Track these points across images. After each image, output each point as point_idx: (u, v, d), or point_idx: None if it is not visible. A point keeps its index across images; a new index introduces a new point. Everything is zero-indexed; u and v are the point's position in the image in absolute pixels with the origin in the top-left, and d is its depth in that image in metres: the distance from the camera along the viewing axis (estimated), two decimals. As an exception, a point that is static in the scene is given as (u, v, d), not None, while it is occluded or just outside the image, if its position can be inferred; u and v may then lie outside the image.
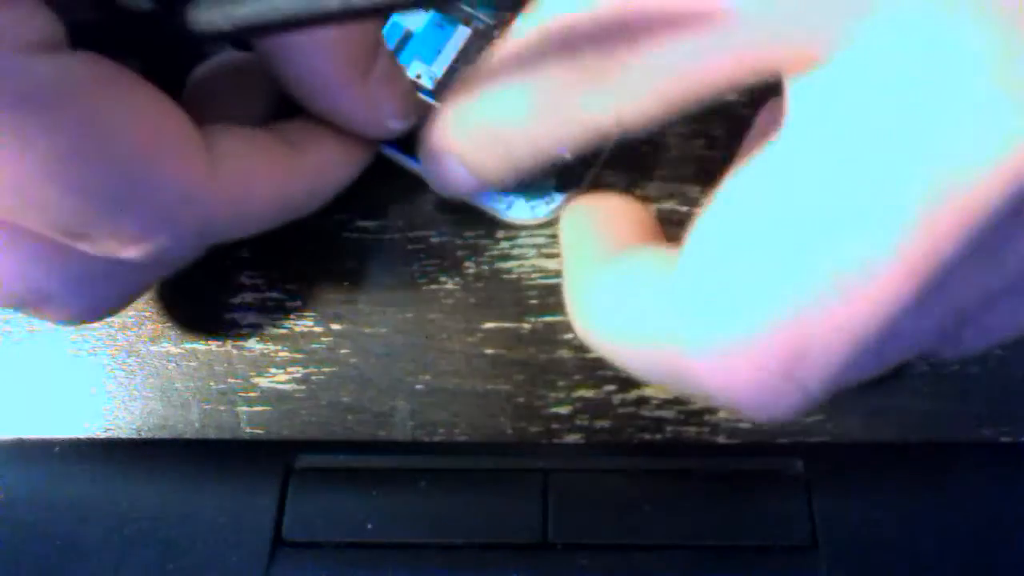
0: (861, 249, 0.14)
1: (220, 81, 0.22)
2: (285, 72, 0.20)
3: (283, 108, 0.22)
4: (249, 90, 0.22)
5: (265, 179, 0.20)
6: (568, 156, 0.20)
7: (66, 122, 0.15)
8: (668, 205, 0.24)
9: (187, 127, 0.18)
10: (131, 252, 0.18)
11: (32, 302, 0.19)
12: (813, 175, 0.15)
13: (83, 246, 0.17)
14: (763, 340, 0.15)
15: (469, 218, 0.24)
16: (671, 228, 0.24)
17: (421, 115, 0.22)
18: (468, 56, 0.25)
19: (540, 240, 0.24)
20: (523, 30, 0.19)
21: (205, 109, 0.20)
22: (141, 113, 0.17)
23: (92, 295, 0.19)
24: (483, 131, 0.20)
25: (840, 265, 0.15)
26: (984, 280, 0.16)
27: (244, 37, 0.18)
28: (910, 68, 0.14)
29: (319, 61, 0.19)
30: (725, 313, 0.16)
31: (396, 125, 0.22)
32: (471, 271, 0.24)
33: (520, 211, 0.24)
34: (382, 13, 0.19)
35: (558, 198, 0.24)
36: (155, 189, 0.17)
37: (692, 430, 0.23)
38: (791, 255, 0.15)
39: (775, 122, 0.17)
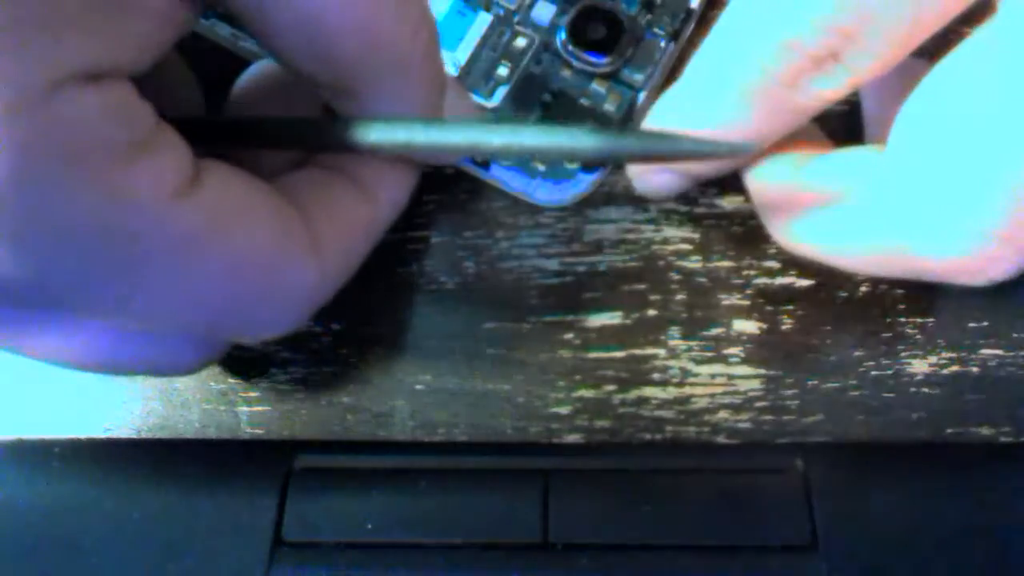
0: None
1: (264, 92, 0.22)
2: (354, 110, 0.19)
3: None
4: (293, 101, 0.22)
5: (359, 242, 0.20)
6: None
7: (198, 260, 0.16)
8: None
9: (299, 229, 0.18)
10: (250, 342, 0.20)
11: (144, 373, 0.20)
12: None
13: (203, 339, 0.19)
14: (1003, 231, 0.17)
15: (469, 218, 0.24)
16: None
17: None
18: (491, 41, 0.25)
19: (540, 240, 0.24)
20: (728, 34, 0.19)
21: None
22: (263, 233, 0.17)
23: (201, 359, 0.20)
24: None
25: None
26: None
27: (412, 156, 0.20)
28: None
29: (399, 101, 0.19)
30: (959, 209, 0.17)
31: None
32: (471, 271, 0.24)
33: (548, 193, 0.24)
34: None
35: (585, 179, 0.24)
36: (277, 298, 0.18)
37: (692, 430, 0.23)
38: (1014, 132, 0.16)
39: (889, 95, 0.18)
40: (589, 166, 0.24)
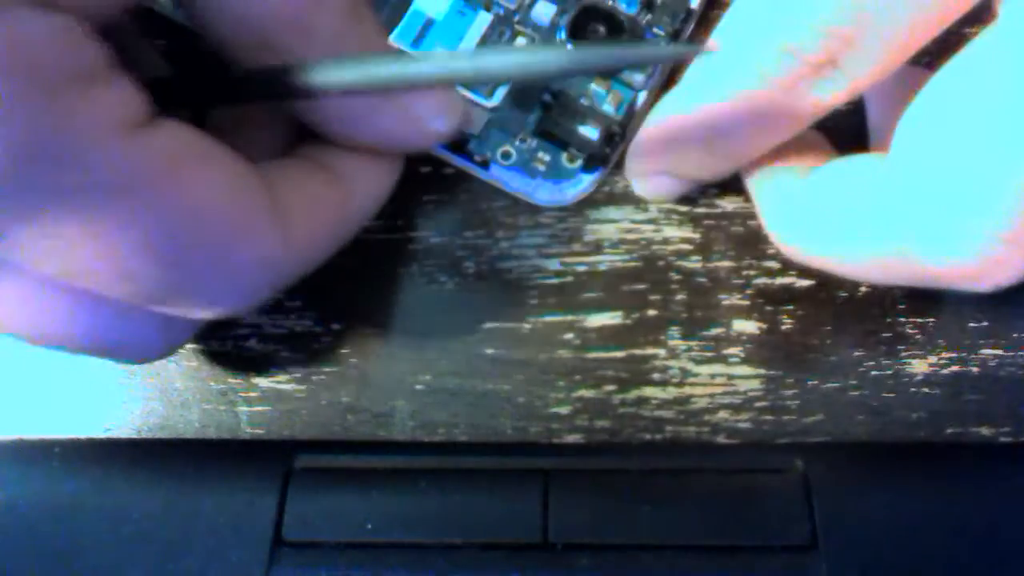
0: None
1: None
2: (310, 107, 0.19)
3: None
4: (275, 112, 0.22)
5: (327, 225, 0.20)
6: None
7: (150, 203, 0.16)
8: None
9: (261, 193, 0.18)
10: (207, 314, 0.18)
11: (107, 354, 0.19)
12: None
13: (161, 310, 0.18)
14: (1008, 234, 0.17)
15: (469, 218, 0.24)
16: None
17: (465, 111, 0.21)
18: (491, 41, 0.25)
19: (540, 240, 0.24)
20: (726, 39, 0.19)
21: (232, 131, 0.20)
22: (220, 186, 0.17)
23: (166, 342, 0.20)
24: (700, 147, 0.21)
25: None
26: None
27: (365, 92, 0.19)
28: None
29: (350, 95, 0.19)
30: (963, 213, 0.17)
31: (441, 126, 0.20)
32: (471, 271, 0.24)
33: (549, 193, 0.24)
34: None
35: (585, 179, 0.24)
36: (234, 261, 0.17)
37: (692, 430, 0.23)
38: (1019, 134, 0.16)
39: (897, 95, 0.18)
40: (590, 166, 0.24)
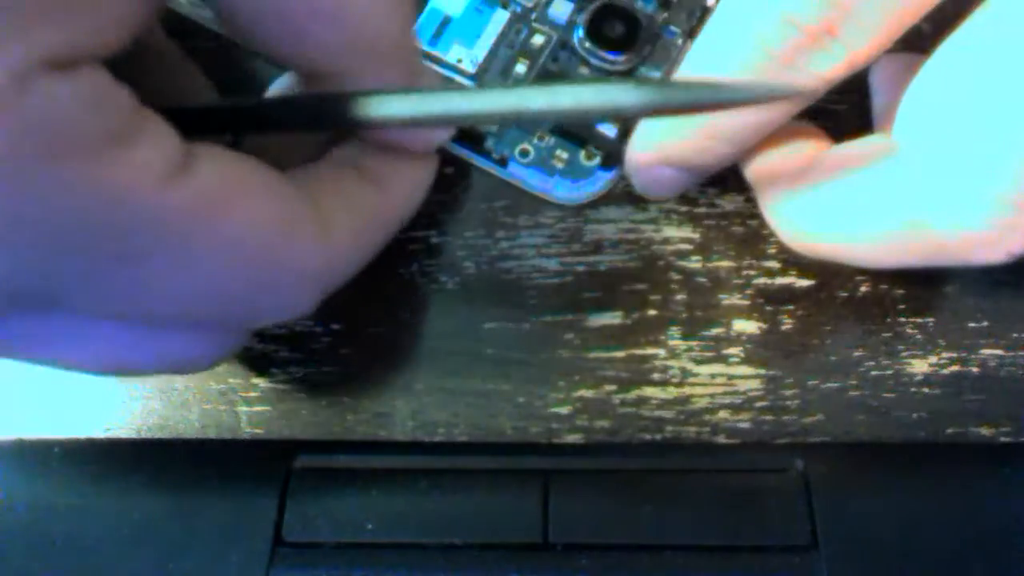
0: None
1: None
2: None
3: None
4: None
5: (369, 230, 0.20)
6: None
7: (198, 242, 0.16)
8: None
9: (304, 208, 0.18)
10: (259, 326, 0.19)
11: (166, 371, 0.20)
12: None
13: (217, 329, 0.19)
14: (1020, 199, 0.17)
15: (469, 218, 0.24)
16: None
17: None
18: (508, 39, 0.25)
19: (540, 240, 0.24)
20: (728, 11, 0.19)
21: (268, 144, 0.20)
22: (264, 212, 0.17)
23: (222, 350, 0.20)
24: (700, 133, 0.21)
25: None
26: None
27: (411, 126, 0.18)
28: None
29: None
30: (973, 179, 0.17)
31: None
32: (471, 271, 0.24)
33: (566, 191, 0.24)
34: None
35: (603, 177, 0.24)
36: (284, 279, 0.18)
37: (692, 430, 0.23)
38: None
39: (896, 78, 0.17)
40: (608, 164, 0.24)
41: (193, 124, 0.17)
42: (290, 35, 0.17)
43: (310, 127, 0.20)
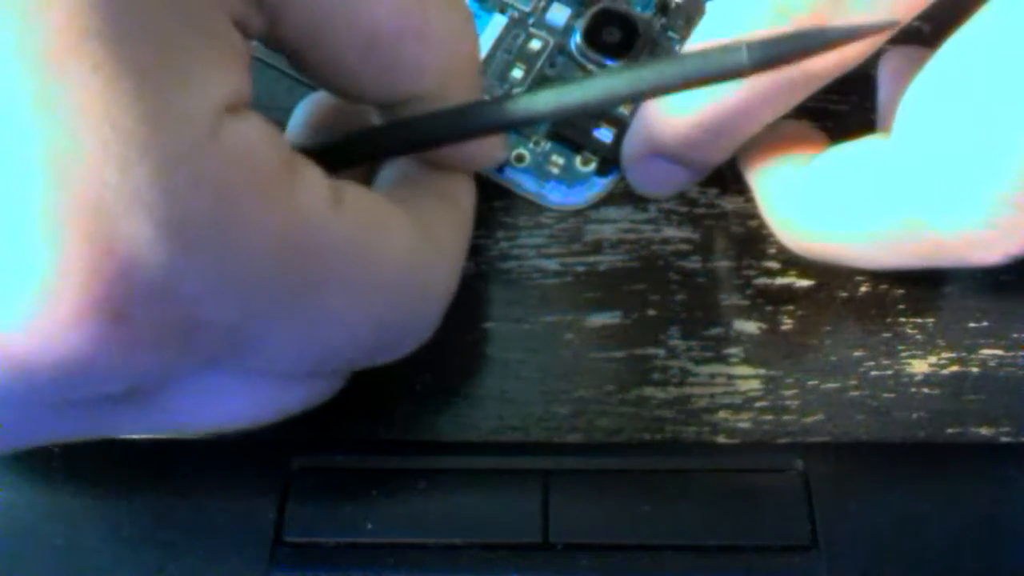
0: None
1: (322, 123, 0.22)
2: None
3: None
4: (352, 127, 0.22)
5: (463, 245, 0.21)
6: None
7: (370, 266, 0.16)
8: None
9: (425, 233, 0.18)
10: (381, 363, 0.19)
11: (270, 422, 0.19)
12: None
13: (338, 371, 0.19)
14: (1018, 197, 0.17)
15: (469, 218, 0.24)
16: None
17: None
18: (505, 44, 0.25)
19: (540, 240, 0.24)
20: (721, 6, 0.19)
21: None
22: (404, 240, 0.17)
23: (344, 380, 0.20)
24: (703, 123, 0.20)
25: None
26: None
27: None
28: None
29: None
30: (971, 178, 0.17)
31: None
32: (471, 271, 0.24)
33: (563, 196, 0.24)
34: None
35: (600, 183, 0.24)
36: (428, 304, 0.19)
37: (692, 430, 0.23)
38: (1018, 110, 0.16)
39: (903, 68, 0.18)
40: (603, 170, 0.24)
41: (322, 158, 0.17)
42: (379, 60, 0.17)
43: (405, 151, 0.20)
